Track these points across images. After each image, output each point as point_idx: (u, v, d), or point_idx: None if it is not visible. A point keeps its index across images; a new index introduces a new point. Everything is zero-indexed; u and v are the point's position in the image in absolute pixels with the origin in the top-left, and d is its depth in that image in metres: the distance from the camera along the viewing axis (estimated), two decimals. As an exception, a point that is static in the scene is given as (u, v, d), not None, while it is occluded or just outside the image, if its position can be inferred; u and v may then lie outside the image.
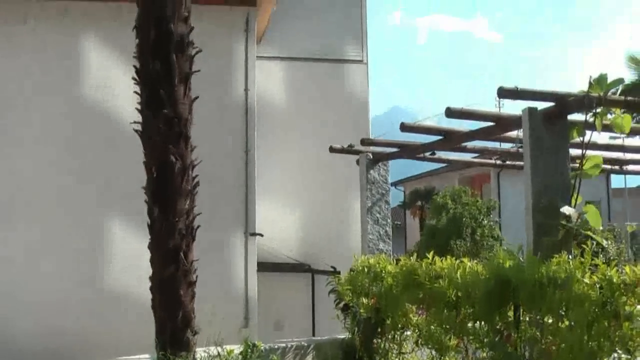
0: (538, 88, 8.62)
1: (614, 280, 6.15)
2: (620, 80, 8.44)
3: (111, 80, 15.32)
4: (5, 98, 15.14)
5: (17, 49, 15.32)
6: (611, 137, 10.95)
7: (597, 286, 6.26)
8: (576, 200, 8.49)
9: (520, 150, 9.57)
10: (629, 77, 24.38)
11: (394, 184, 41.72)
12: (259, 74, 16.55)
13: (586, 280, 6.34)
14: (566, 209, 7.94)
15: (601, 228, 8.09)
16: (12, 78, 15.22)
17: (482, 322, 7.54)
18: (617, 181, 39.68)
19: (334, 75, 20.35)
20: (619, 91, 9.37)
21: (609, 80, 8.19)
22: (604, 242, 7.92)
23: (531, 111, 8.48)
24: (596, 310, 6.17)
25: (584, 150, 8.64)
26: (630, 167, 14.85)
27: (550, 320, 6.64)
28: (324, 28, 20.45)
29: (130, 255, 14.43)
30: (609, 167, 13.76)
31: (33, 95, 15.19)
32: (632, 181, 36.95)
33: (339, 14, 20.65)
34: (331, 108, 20.04)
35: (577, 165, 8.66)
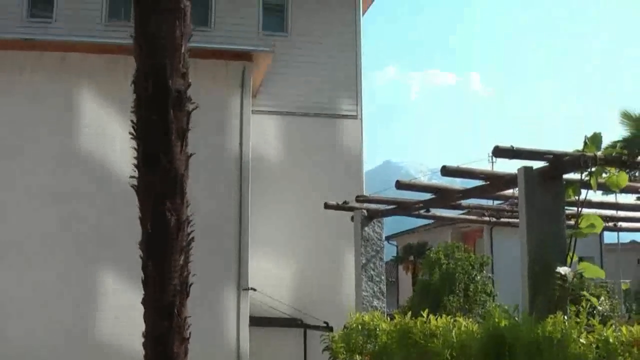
0: (533, 146, 8.64)
1: (611, 340, 6.11)
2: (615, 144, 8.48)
3: (106, 132, 15.37)
4: (0, 144, 15.15)
5: (12, 98, 15.41)
6: (604, 194, 10.97)
7: (594, 346, 6.22)
8: (572, 259, 8.46)
9: (516, 207, 9.56)
10: (622, 133, 24.46)
11: (387, 238, 41.61)
12: (254, 127, 16.63)
13: (582, 340, 6.30)
14: (562, 269, 7.90)
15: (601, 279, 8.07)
16: (8, 126, 15.26)
17: (478, 382, 7.46)
18: (609, 237, 39.66)
19: (329, 130, 20.43)
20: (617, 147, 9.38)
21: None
22: (598, 301, 7.88)
23: (527, 170, 8.49)
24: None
25: (580, 209, 8.64)
26: (624, 225, 14.85)
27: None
28: (319, 83, 20.61)
29: (121, 308, 14.32)
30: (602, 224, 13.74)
31: (27, 144, 15.23)
32: (625, 237, 36.93)
33: (334, 70, 20.83)
34: (325, 162, 20.10)
35: (573, 223, 8.65)
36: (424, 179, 11.70)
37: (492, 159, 29.72)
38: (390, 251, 45.72)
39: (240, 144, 15.87)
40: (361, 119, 20.80)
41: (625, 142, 22.22)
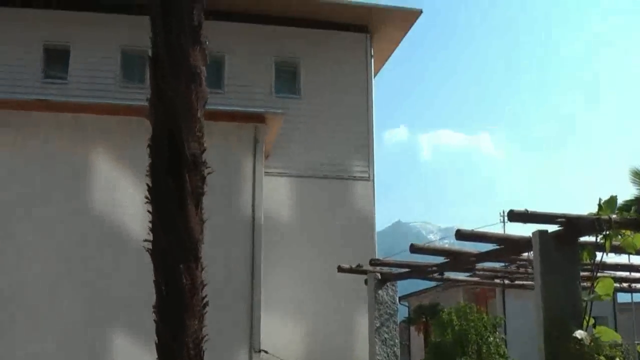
0: (544, 208, 8.60)
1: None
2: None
3: (119, 193, 15.40)
4: (13, 205, 15.18)
5: (26, 158, 15.48)
6: (617, 254, 10.89)
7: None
8: (588, 322, 8.38)
9: (530, 270, 9.50)
10: (633, 192, 24.38)
11: (398, 299, 41.39)
12: (266, 188, 16.65)
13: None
14: (579, 333, 7.82)
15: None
16: (21, 186, 15.31)
17: None
18: (622, 296, 39.29)
19: (341, 192, 20.45)
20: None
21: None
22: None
23: (542, 234, 8.45)
24: None
25: (595, 273, 8.58)
26: (639, 285, 14.76)
27: None
28: (331, 145, 20.70)
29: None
30: (617, 285, 13.67)
31: (39, 204, 15.25)
32: (639, 296, 36.51)
33: (346, 131, 20.95)
34: (337, 224, 20.08)
35: (588, 285, 8.58)
36: (434, 238, 11.64)
37: (503, 219, 29.65)
38: (401, 312, 45.32)
39: (253, 206, 15.86)
40: (373, 181, 20.84)
41: (637, 201, 22.13)
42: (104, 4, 20.18)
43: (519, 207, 8.25)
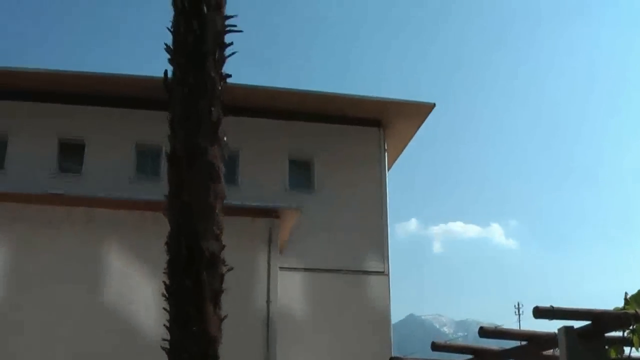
0: (571, 305, 8.44)
1: None
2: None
3: (133, 289, 15.26)
4: (23, 299, 15.03)
5: (39, 251, 15.42)
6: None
7: None
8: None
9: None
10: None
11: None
12: (281, 283, 16.48)
13: None
14: None
15: None
16: (33, 279, 15.19)
17: None
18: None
19: (355, 286, 20.27)
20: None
21: None
22: None
23: (567, 330, 8.25)
24: None
25: (622, 370, 8.35)
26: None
27: None
28: (346, 239, 20.59)
29: None
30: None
31: (52, 298, 15.09)
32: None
33: (360, 226, 20.87)
34: (352, 319, 19.82)
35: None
36: (448, 331, 11.40)
37: (518, 311, 29.21)
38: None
39: (267, 301, 15.69)
40: (388, 275, 20.65)
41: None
42: (119, 99, 20.43)
43: (532, 300, 8.09)
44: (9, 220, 15.45)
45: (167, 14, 8.11)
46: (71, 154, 20.70)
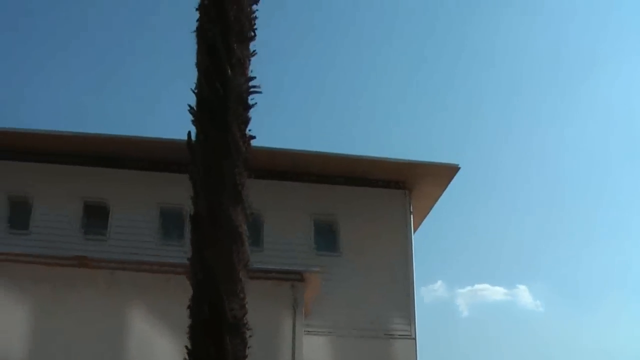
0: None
1: None
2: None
3: (155, 352, 15.06)
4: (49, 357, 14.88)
5: (64, 313, 15.29)
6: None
7: None
8: None
9: None
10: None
11: None
12: (306, 347, 16.22)
13: None
14: None
15: None
16: (56, 342, 15.04)
17: None
18: None
19: (382, 351, 19.94)
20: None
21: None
22: None
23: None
24: None
25: None
26: None
27: None
28: (372, 302, 20.33)
29: None
30: None
31: (76, 358, 14.93)
32: None
33: (386, 288, 20.64)
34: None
35: None
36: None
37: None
38: None
39: (294, 365, 15.42)
40: (415, 339, 20.30)
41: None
42: (143, 162, 20.50)
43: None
44: (33, 282, 15.36)
45: (191, 73, 8.11)
46: (96, 216, 20.71)
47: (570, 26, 42.03)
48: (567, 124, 42.28)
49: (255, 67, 8.29)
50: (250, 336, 7.31)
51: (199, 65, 7.96)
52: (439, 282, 38.82)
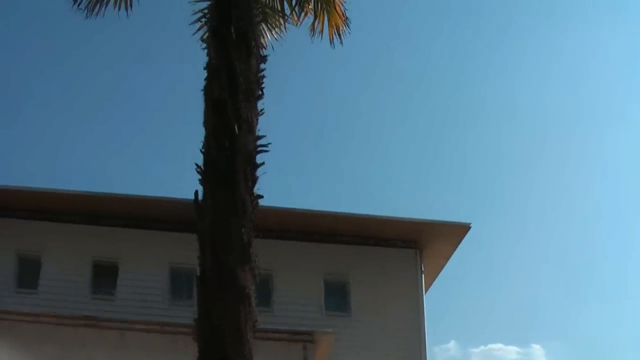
0: None
1: None
2: None
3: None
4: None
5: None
6: None
7: None
8: None
9: None
10: None
11: None
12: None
13: None
14: None
15: None
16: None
17: None
18: None
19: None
20: None
21: None
22: None
23: None
24: None
25: None
26: None
27: None
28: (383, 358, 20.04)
29: None
30: None
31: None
32: None
33: (398, 349, 20.35)
34: None
35: None
36: None
37: None
38: None
39: None
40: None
41: None
42: (152, 221, 20.48)
43: None
44: (41, 341, 15.26)
45: (198, 132, 8.09)
46: (105, 275, 20.62)
47: (588, 82, 42.14)
48: (573, 180, 42.21)
49: (263, 125, 8.28)
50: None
51: (206, 123, 7.95)
52: (452, 342, 38.32)
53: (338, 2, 11.33)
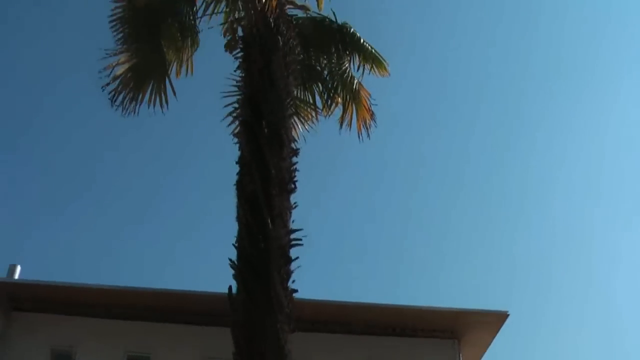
0: None
1: None
2: None
3: None
4: None
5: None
6: None
7: None
8: None
9: None
10: None
11: None
12: None
13: None
14: None
15: None
16: None
17: None
18: None
19: None
20: None
21: None
22: None
23: None
24: None
25: None
26: None
27: None
28: None
29: None
30: None
31: None
32: None
33: None
34: None
35: None
36: None
37: None
38: None
39: None
40: None
41: None
42: (186, 315, 20.39)
43: None
44: None
45: (231, 226, 8.06)
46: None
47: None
48: (611, 271, 41.62)
49: (296, 217, 8.24)
50: None
51: (239, 218, 7.93)
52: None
53: (364, 97, 11.54)
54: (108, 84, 10.52)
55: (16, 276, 21.22)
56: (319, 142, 12.31)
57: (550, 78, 40.07)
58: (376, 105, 11.91)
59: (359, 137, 11.66)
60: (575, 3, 39.86)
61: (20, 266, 21.45)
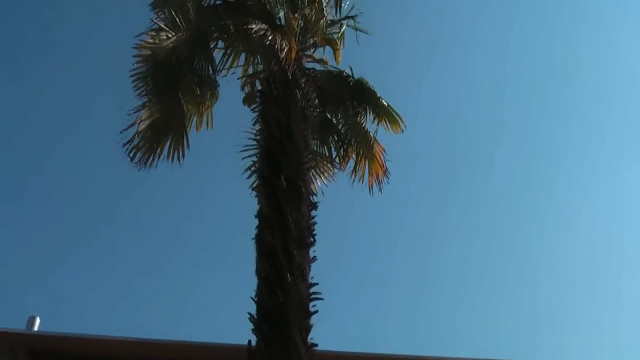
0: None
1: None
2: None
3: None
4: None
5: None
6: None
7: None
8: None
9: None
10: None
11: None
12: None
13: None
14: None
15: None
16: None
17: None
18: None
19: None
20: None
21: None
22: None
23: None
24: None
25: None
26: None
27: None
28: None
29: None
30: None
31: None
32: None
33: None
34: None
35: None
36: None
37: None
38: None
39: None
40: None
41: None
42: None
43: None
44: None
45: (251, 280, 8.04)
46: None
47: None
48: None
49: (315, 270, 8.21)
50: None
51: (258, 272, 7.91)
52: None
53: (378, 152, 11.55)
54: (129, 142, 10.35)
55: (35, 328, 21.10)
56: (337, 193, 12.29)
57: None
58: (390, 161, 11.93)
59: (370, 191, 11.63)
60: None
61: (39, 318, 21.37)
